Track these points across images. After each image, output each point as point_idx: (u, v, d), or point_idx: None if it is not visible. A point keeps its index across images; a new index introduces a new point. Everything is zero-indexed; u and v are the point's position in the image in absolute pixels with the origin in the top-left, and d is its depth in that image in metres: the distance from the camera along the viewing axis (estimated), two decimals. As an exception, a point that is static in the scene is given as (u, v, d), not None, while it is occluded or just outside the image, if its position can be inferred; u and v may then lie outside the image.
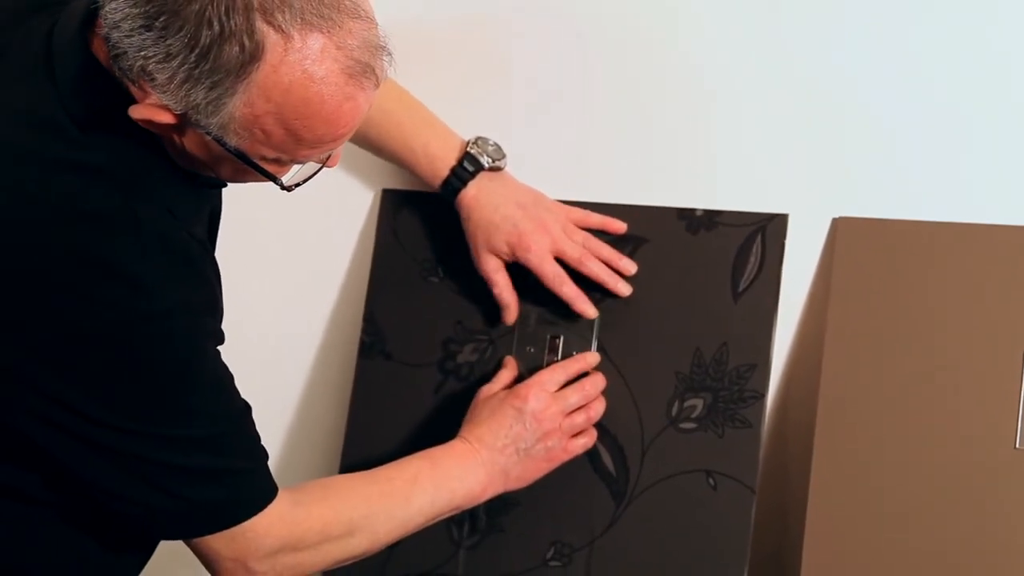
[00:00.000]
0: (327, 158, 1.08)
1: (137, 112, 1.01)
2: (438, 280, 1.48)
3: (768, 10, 1.41)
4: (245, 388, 1.67)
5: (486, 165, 1.39)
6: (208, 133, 1.00)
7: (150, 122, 1.01)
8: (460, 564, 1.40)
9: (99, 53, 1.05)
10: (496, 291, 1.41)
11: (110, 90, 1.03)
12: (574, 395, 1.35)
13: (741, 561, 1.29)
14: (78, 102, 1.05)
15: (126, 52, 0.98)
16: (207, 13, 0.94)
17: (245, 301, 1.57)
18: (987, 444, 1.23)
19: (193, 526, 1.13)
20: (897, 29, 1.35)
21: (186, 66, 0.96)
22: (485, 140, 1.41)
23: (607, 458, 1.37)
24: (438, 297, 1.47)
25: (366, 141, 1.44)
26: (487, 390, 1.36)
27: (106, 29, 0.99)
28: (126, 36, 0.97)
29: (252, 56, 0.96)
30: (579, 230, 1.41)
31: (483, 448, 1.30)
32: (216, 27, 0.94)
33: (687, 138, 1.43)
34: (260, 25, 0.95)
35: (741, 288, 1.36)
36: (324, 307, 1.59)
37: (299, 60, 0.97)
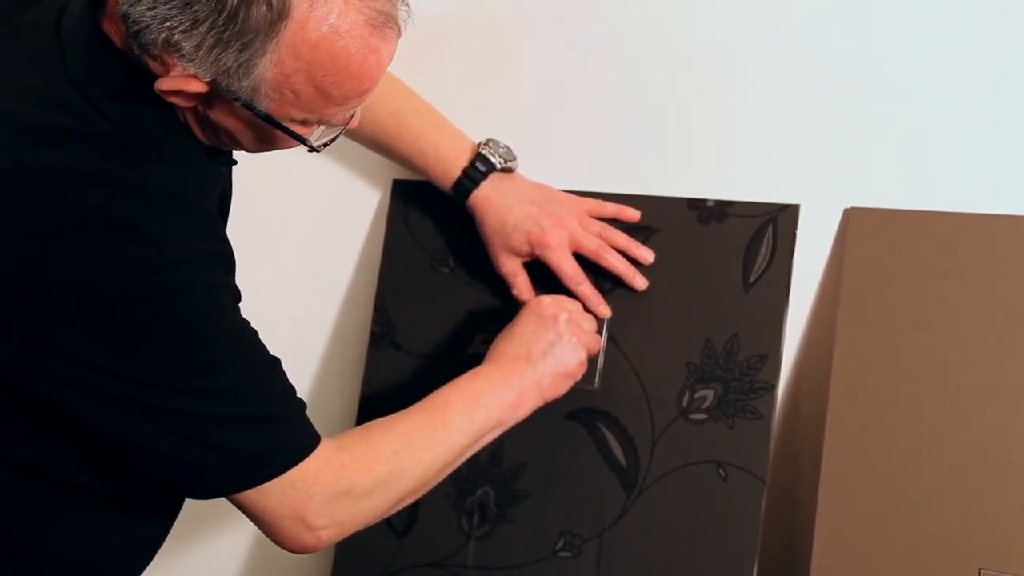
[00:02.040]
0: (350, 118, 1.09)
1: (165, 84, 1.01)
2: (448, 271, 1.48)
3: (779, 1, 1.40)
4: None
5: (498, 166, 1.39)
6: (238, 99, 1.02)
7: (180, 92, 1.02)
8: (470, 555, 1.40)
9: (112, 34, 1.05)
10: (515, 291, 1.41)
11: (122, 69, 1.04)
12: (587, 316, 1.36)
13: (751, 552, 1.29)
14: (89, 82, 1.05)
15: (148, 26, 0.99)
16: None
17: (256, 292, 1.57)
18: (998, 436, 1.23)
19: (237, 478, 1.11)
20: (908, 20, 1.34)
21: (215, 30, 0.97)
22: (496, 142, 1.41)
23: (617, 448, 1.37)
24: (449, 288, 1.47)
25: (376, 144, 1.44)
26: None
27: (124, 6, 0.99)
28: (148, 9, 0.98)
29: (280, 14, 0.97)
30: (594, 221, 1.41)
31: (508, 360, 1.29)
32: None
33: (698, 128, 1.43)
34: None
35: (752, 279, 1.35)
36: (335, 298, 1.59)
37: (325, 15, 0.99)
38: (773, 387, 1.32)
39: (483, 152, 1.39)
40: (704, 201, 1.39)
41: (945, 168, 1.32)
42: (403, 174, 1.51)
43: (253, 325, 1.14)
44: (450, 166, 1.40)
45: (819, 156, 1.37)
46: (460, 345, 1.45)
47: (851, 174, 1.35)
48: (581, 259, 1.39)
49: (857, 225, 1.33)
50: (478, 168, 1.39)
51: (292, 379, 1.14)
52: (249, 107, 1.03)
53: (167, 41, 0.99)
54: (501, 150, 1.40)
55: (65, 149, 1.03)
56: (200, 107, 1.05)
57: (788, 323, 1.34)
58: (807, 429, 1.35)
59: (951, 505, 1.23)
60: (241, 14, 0.97)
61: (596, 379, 1.39)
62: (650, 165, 1.44)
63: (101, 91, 1.05)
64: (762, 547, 1.29)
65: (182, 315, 1.05)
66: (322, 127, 1.09)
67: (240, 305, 1.14)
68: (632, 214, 1.41)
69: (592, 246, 1.39)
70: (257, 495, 1.11)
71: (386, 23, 1.02)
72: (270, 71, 1.00)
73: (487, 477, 1.41)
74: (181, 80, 1.01)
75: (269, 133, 1.07)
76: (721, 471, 1.32)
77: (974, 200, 1.29)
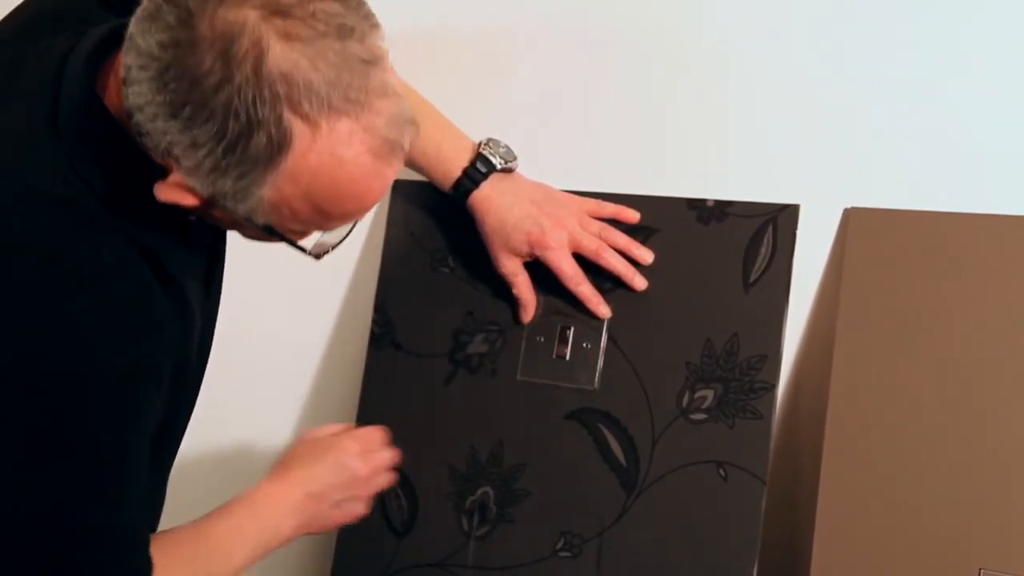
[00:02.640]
0: (352, 227, 1.08)
1: (162, 194, 0.99)
2: (449, 271, 1.48)
3: (779, 1, 1.40)
4: (256, 379, 1.69)
5: (498, 166, 1.39)
6: (235, 214, 1.00)
7: (176, 203, 1.00)
8: (470, 554, 1.40)
9: (112, 94, 1.03)
10: (516, 291, 1.41)
11: (111, 135, 1.02)
12: (389, 456, 1.31)
13: (751, 552, 1.29)
14: (74, 140, 1.03)
15: (150, 134, 0.97)
16: (234, 104, 0.93)
17: (257, 292, 1.58)
18: (998, 436, 1.23)
19: None
20: (908, 21, 1.34)
21: (213, 157, 0.95)
22: (496, 142, 1.40)
23: (617, 448, 1.37)
24: (449, 288, 1.47)
25: None
26: (313, 432, 1.32)
27: (129, 106, 0.97)
28: (150, 120, 0.96)
29: (280, 146, 0.94)
30: (594, 221, 1.41)
31: (302, 491, 1.24)
32: (243, 118, 0.93)
33: (698, 129, 1.43)
34: (287, 116, 0.94)
35: (752, 279, 1.35)
36: (335, 298, 1.59)
37: (328, 146, 0.96)
38: (773, 387, 1.32)
39: (483, 152, 1.39)
40: (704, 201, 1.39)
41: (945, 168, 1.32)
42: (403, 174, 1.51)
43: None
44: (450, 166, 1.40)
45: (819, 156, 1.37)
46: (460, 345, 1.45)
47: (851, 174, 1.35)
48: (582, 260, 1.39)
49: (857, 225, 1.33)
50: (478, 168, 1.39)
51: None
52: (248, 220, 1.01)
53: (168, 151, 0.96)
54: (501, 150, 1.40)
55: (27, 211, 1.01)
56: (201, 208, 1.02)
57: (788, 323, 1.34)
58: (807, 429, 1.35)
59: (951, 505, 1.23)
60: (241, 145, 0.94)
61: (596, 379, 1.39)
62: (650, 165, 1.44)
63: (84, 152, 1.02)
64: (762, 547, 1.29)
65: (79, 428, 1.00)
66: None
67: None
68: (632, 215, 1.41)
69: (592, 246, 1.39)
70: None
71: (391, 151, 0.99)
72: (269, 194, 0.97)
73: (487, 477, 1.41)
74: (177, 193, 0.99)
75: (269, 237, 1.04)
76: (721, 471, 1.32)
77: (974, 200, 1.29)
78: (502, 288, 1.43)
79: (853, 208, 1.34)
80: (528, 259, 1.40)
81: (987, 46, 1.31)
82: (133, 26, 0.97)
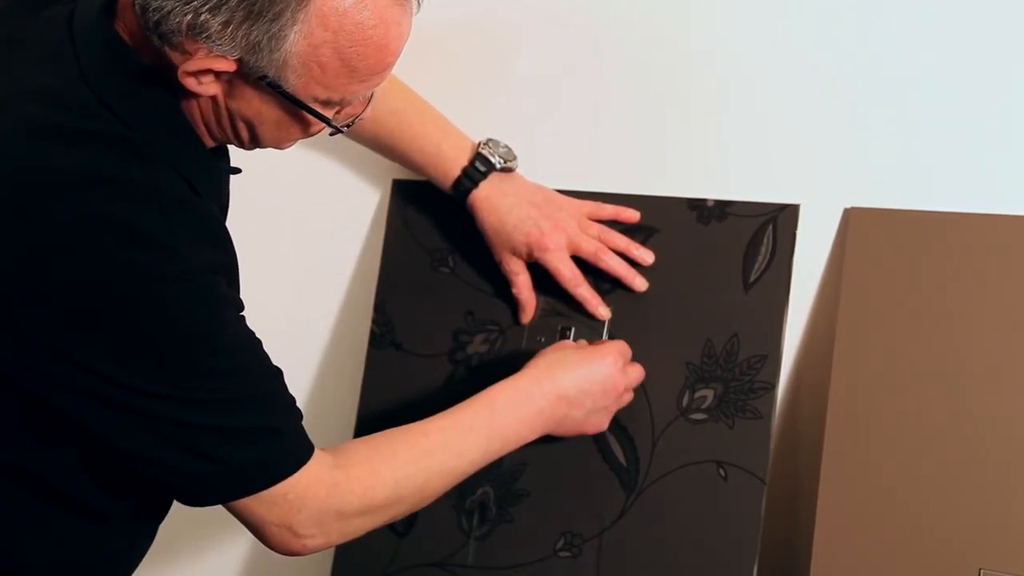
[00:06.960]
0: (366, 104, 1.11)
1: (192, 65, 1.01)
2: (448, 271, 1.48)
3: (779, 1, 1.40)
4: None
5: (498, 166, 1.39)
6: (265, 77, 1.03)
7: (208, 72, 1.02)
8: (470, 554, 1.40)
9: (124, 33, 1.06)
10: (515, 291, 1.41)
11: (135, 70, 1.05)
12: (638, 375, 1.35)
13: (752, 552, 1.29)
14: (103, 80, 1.05)
15: (171, 11, 0.99)
16: None
17: (256, 291, 1.58)
18: (998, 436, 1.23)
19: (227, 490, 1.11)
20: (908, 19, 1.34)
21: (245, 3, 0.98)
22: (496, 142, 1.41)
23: (617, 448, 1.37)
24: (448, 287, 1.47)
25: (376, 142, 1.44)
26: (569, 343, 1.36)
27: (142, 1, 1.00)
28: None
29: None
30: (593, 223, 1.41)
31: (554, 394, 1.27)
32: None
33: (698, 128, 1.43)
34: None
35: (752, 279, 1.35)
36: (335, 298, 1.59)
37: None
38: (773, 387, 1.32)
39: (483, 152, 1.39)
40: (704, 201, 1.39)
41: (945, 168, 1.32)
42: (403, 174, 1.51)
43: (253, 326, 1.14)
44: (450, 165, 1.40)
45: (819, 156, 1.37)
46: (460, 345, 1.45)
47: (851, 174, 1.35)
48: (582, 262, 1.39)
49: (857, 225, 1.33)
50: (478, 168, 1.39)
51: (292, 380, 1.14)
52: (275, 86, 1.04)
53: (191, 25, 0.99)
54: (501, 150, 1.40)
55: (81, 152, 1.03)
56: (221, 95, 1.06)
57: (788, 323, 1.34)
58: (807, 428, 1.35)
59: (951, 505, 1.23)
60: None
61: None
62: (650, 165, 1.44)
63: (114, 92, 1.05)
64: (762, 546, 1.29)
65: (189, 327, 1.05)
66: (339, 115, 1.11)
67: (242, 313, 1.13)
68: (631, 215, 1.41)
69: (591, 249, 1.39)
70: (247, 502, 1.11)
71: None
72: (300, 43, 1.01)
73: (487, 477, 1.41)
74: (208, 60, 1.01)
75: (291, 118, 1.08)
76: (721, 471, 1.32)
77: (974, 200, 1.29)
78: (502, 288, 1.43)
79: (853, 208, 1.34)
80: (528, 260, 1.40)
81: (987, 45, 1.31)
82: None
